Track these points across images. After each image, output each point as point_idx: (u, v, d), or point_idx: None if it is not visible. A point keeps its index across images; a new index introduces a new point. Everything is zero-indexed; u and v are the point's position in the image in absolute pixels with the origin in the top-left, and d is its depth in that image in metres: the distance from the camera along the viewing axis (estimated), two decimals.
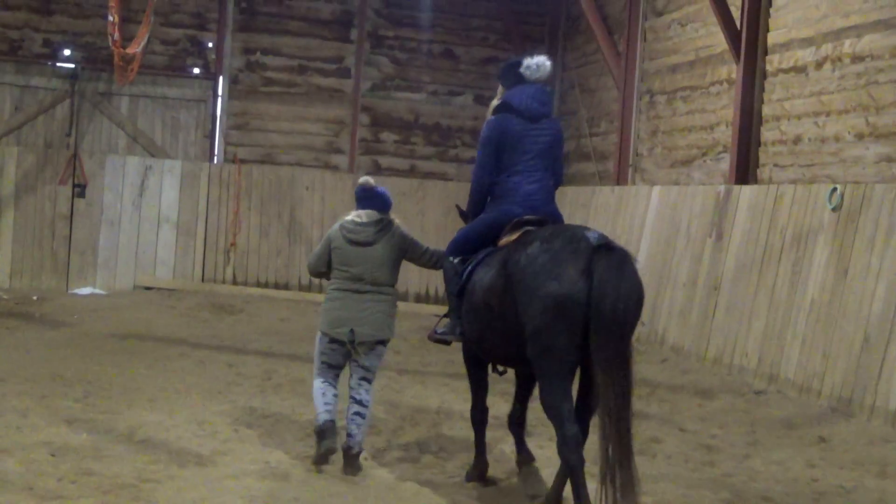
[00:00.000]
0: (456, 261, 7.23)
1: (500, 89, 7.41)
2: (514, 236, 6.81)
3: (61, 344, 12.22)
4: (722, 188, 12.40)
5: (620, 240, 14.44)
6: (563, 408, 6.15)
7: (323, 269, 7.73)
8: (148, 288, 16.64)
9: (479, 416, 7.47)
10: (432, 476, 7.56)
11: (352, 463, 7.41)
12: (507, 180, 7.07)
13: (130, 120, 17.39)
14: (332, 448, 7.35)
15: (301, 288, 17.38)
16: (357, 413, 7.47)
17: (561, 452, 6.15)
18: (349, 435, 7.43)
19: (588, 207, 15.83)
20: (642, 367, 11.59)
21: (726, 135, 12.85)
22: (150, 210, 17.04)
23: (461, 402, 10.19)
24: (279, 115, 17.90)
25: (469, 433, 7.79)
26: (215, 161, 17.63)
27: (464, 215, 7.71)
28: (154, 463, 7.33)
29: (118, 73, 15.10)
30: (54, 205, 16.72)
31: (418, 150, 18.49)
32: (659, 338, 13.03)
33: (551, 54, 18.37)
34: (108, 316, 14.47)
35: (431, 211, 17.86)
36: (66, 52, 17.04)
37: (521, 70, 7.20)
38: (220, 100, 17.70)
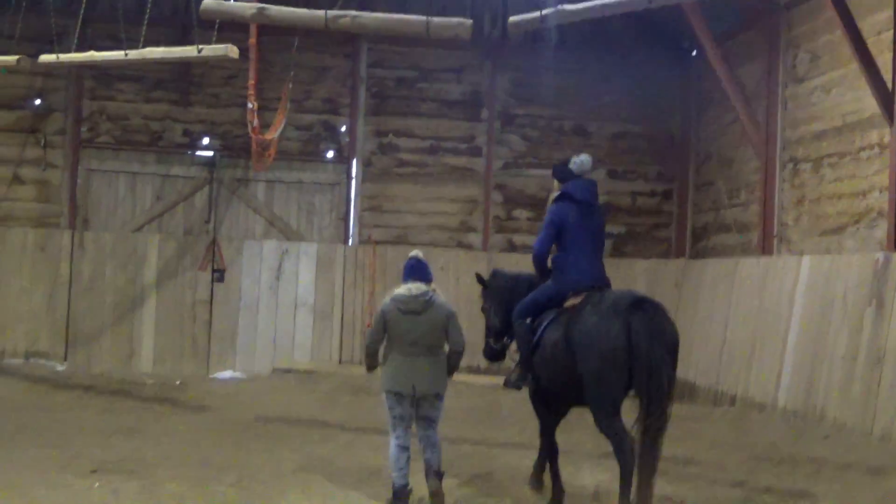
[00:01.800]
0: (527, 321, 8.62)
1: (556, 183, 8.87)
2: (577, 301, 8.25)
3: (207, 429, 12.16)
4: (880, 255, 11.80)
5: (769, 312, 14.03)
6: (617, 426, 7.75)
7: (379, 344, 8.48)
8: (286, 371, 16.60)
9: (549, 447, 8.82)
10: None
11: (436, 486, 8.23)
12: (566, 257, 8.54)
13: (267, 205, 17.57)
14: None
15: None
16: (430, 445, 8.32)
17: (620, 457, 7.68)
18: (428, 461, 8.30)
19: (732, 279, 15.31)
20: (805, 445, 11.04)
21: (880, 201, 12.27)
22: (287, 293, 17.12)
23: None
24: (412, 195, 17.88)
25: None
26: (350, 243, 17.64)
27: (482, 282, 9.70)
28: None
29: (255, 160, 15.28)
30: (194, 291, 16.91)
31: None
32: (818, 413, 12.37)
33: (686, 127, 18.15)
34: (250, 400, 14.44)
35: None
36: (205, 140, 17.35)
37: (570, 166, 8.82)
38: (353, 182, 17.76)
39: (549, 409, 8.79)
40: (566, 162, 8.95)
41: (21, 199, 17.02)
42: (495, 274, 9.73)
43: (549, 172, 18.01)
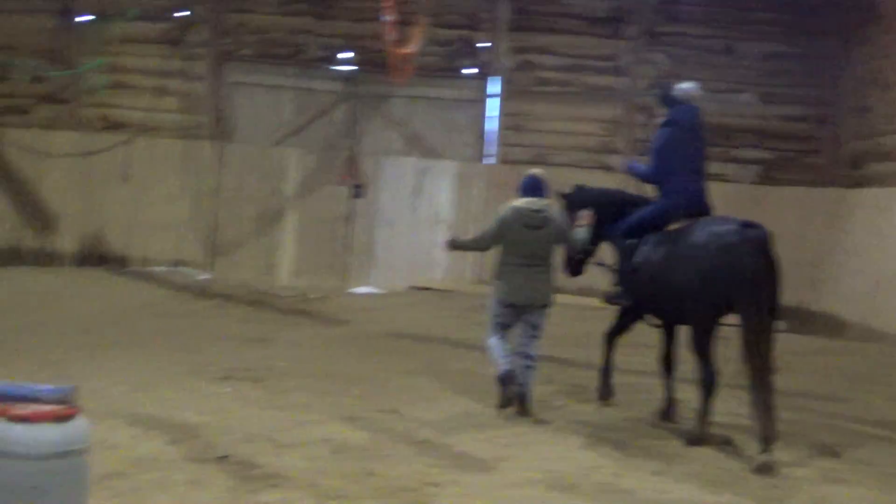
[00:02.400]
0: (633, 240, 8.90)
1: (663, 109, 9.26)
2: (680, 224, 8.56)
3: (339, 342, 12.22)
4: None
5: None
6: (708, 349, 8.07)
7: (491, 247, 8.97)
8: (423, 288, 16.55)
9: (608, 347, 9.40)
10: None
11: (525, 408, 8.61)
12: (675, 181, 8.76)
13: (406, 121, 17.44)
14: (517, 393, 8.59)
15: (572, 291, 16.84)
16: (528, 367, 8.69)
17: (703, 380, 8.04)
18: (521, 384, 8.61)
19: (890, 210, 14.52)
20: None
21: None
22: (424, 211, 17.03)
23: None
24: (552, 115, 17.45)
25: None
26: (489, 161, 17.39)
27: (566, 196, 9.58)
28: (435, 466, 6.97)
29: (394, 75, 15.14)
30: (333, 205, 16.95)
31: None
32: None
33: (843, 47, 17.18)
34: (384, 315, 14.45)
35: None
36: (345, 55, 17.25)
37: (674, 93, 9.17)
38: (493, 100, 17.45)
39: (632, 322, 9.28)
40: (669, 88, 9.35)
41: (167, 110, 17.27)
42: (580, 189, 9.73)
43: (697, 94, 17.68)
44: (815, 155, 17.43)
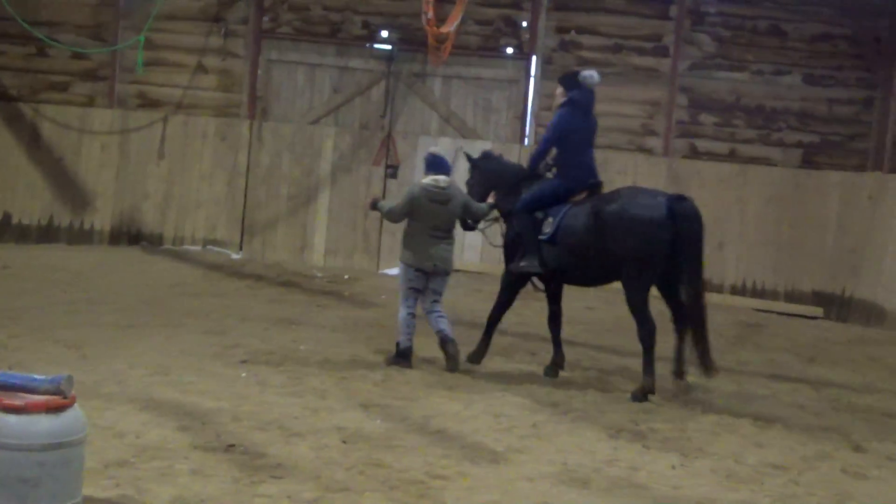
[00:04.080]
0: (535, 214, 9.74)
1: (559, 90, 9.95)
2: (581, 196, 9.69)
3: (367, 325, 12.17)
4: None
5: None
6: (647, 307, 9.15)
7: (401, 220, 10.06)
8: (455, 270, 16.39)
9: (500, 315, 10.33)
10: None
11: (454, 355, 9.71)
12: (572, 157, 9.77)
13: (443, 101, 17.33)
14: (446, 344, 9.74)
15: None
16: (440, 316, 9.81)
17: (642, 338, 9.14)
18: (443, 331, 9.75)
19: None
20: None
21: None
22: None
23: (782, 407, 9.31)
24: None
25: None
26: (526, 142, 17.24)
27: (472, 161, 10.68)
28: (445, 457, 6.90)
29: (432, 54, 15.04)
30: (368, 185, 16.90)
31: (739, 132, 17.28)
32: None
33: (890, 29, 16.79)
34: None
35: (753, 199, 16.65)
36: (384, 33, 17.17)
37: (579, 78, 9.83)
38: (532, 80, 17.28)
39: (518, 291, 10.33)
40: (575, 73, 10.02)
41: (204, 87, 17.32)
42: (487, 156, 10.75)
43: (739, 76, 17.42)
44: (861, 139, 17.08)
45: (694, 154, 17.08)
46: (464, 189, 10.45)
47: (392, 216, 10.19)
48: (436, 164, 10.00)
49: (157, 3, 16.45)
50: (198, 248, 16.77)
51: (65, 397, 4.93)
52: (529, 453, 7.24)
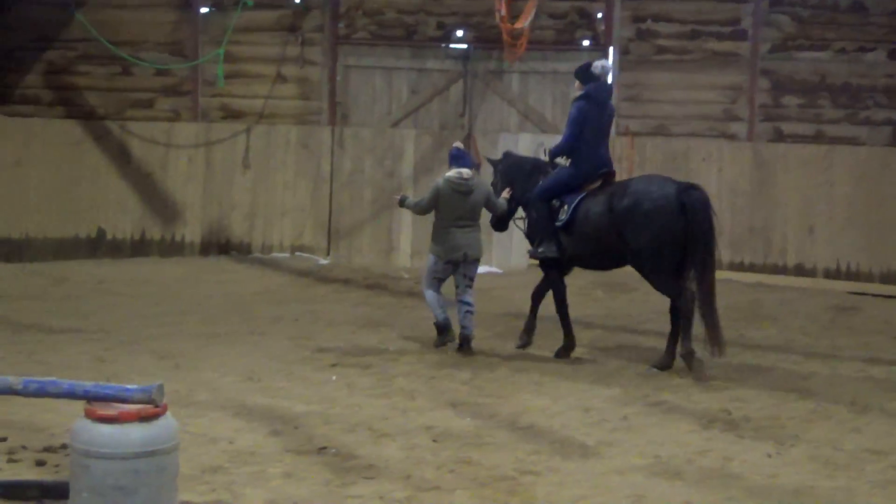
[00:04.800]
0: (552, 202, 10.26)
1: (577, 83, 10.43)
2: (595, 185, 10.18)
3: (454, 322, 12.18)
4: None
5: None
6: (676, 283, 9.65)
7: (427, 213, 10.80)
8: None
9: (563, 303, 10.58)
10: None
11: (467, 348, 10.31)
12: (587, 148, 10.17)
13: (521, 97, 17.29)
14: (462, 335, 10.37)
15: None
16: (468, 311, 10.41)
17: (681, 309, 9.52)
18: (466, 329, 10.37)
19: None
20: None
21: None
22: None
23: (879, 392, 9.11)
24: (672, 83, 17.02)
25: None
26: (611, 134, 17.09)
27: (492, 162, 11.66)
28: (535, 453, 6.92)
29: (507, 51, 15.03)
30: None
31: (825, 113, 16.90)
32: None
33: None
34: (502, 296, 14.36)
35: (841, 181, 16.24)
36: (459, 32, 17.19)
37: (592, 70, 10.28)
38: (610, 71, 17.13)
39: (562, 274, 10.65)
40: (588, 65, 10.42)
41: (284, 96, 17.50)
42: (506, 155, 11.59)
43: (822, 56, 17.05)
44: None
45: (779, 137, 16.77)
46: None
47: (419, 209, 10.90)
48: (459, 158, 10.68)
49: (235, 16, 16.72)
50: (286, 255, 16.98)
51: (156, 406, 5.03)
52: (620, 446, 7.21)
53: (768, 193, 16.36)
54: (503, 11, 13.86)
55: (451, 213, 10.36)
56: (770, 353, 10.86)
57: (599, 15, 17.09)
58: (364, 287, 14.85)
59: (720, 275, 15.18)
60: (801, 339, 11.61)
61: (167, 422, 5.11)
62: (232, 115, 17.50)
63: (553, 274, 10.60)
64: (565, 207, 10.16)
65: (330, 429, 7.31)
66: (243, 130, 17.32)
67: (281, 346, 10.50)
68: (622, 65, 17.06)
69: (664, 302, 10.20)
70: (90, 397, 5.06)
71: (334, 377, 9.06)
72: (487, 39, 16.84)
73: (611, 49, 17.04)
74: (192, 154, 17.29)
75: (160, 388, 5.05)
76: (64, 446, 6.25)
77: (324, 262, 16.77)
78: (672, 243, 9.54)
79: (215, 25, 17.18)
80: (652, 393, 8.79)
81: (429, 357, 10.07)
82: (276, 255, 16.97)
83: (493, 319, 12.35)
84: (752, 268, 16.23)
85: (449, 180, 10.45)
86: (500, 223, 11.26)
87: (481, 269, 16.23)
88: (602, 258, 10.27)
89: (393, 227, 17.12)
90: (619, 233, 9.72)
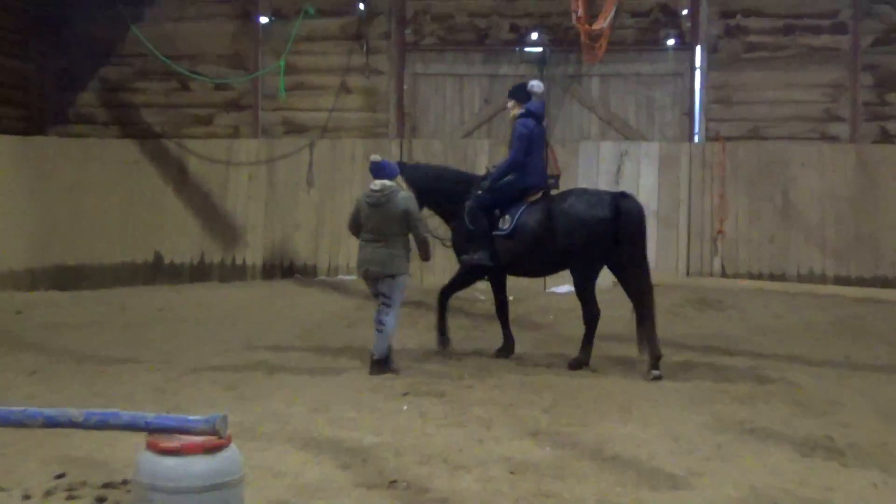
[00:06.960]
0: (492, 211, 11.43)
1: (512, 102, 11.71)
2: (536, 196, 11.43)
3: (533, 346, 12.33)
4: None
5: None
6: (592, 292, 11.26)
7: (356, 228, 10.90)
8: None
9: (452, 292, 12.16)
10: None
11: (374, 370, 10.54)
12: (529, 161, 11.48)
13: (602, 102, 17.38)
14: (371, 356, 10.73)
15: (800, 278, 16.40)
16: (377, 330, 10.64)
17: (586, 320, 11.21)
18: (371, 351, 10.67)
19: None
20: None
21: None
22: None
23: None
24: (765, 83, 17.01)
25: None
26: (696, 140, 17.11)
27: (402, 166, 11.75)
28: (621, 485, 6.96)
29: (586, 52, 15.10)
30: None
31: None
32: None
33: None
34: None
35: None
36: (534, 35, 17.32)
37: (528, 89, 11.63)
38: (698, 72, 17.16)
39: (497, 279, 11.91)
40: (524, 85, 11.76)
41: (348, 108, 17.79)
42: (410, 167, 12.31)
43: None
44: None
45: (885, 138, 16.64)
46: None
47: (349, 226, 11.11)
48: (375, 170, 10.80)
49: (296, 25, 17.03)
50: (353, 277, 17.18)
51: (220, 437, 5.20)
52: (713, 476, 7.22)
53: (874, 199, 16.22)
54: (580, 11, 13.94)
55: (366, 226, 10.70)
56: (878, 374, 10.78)
57: (685, 11, 17.15)
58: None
59: (824, 289, 15.30)
60: (812, 347, 11.77)
61: (231, 454, 5.28)
62: (294, 129, 17.83)
63: (468, 277, 12.04)
64: (507, 217, 11.38)
65: (401, 461, 7.42)
66: (306, 145, 17.62)
67: (350, 373, 10.66)
68: (710, 64, 17.11)
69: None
70: (152, 429, 5.25)
71: (406, 406, 9.16)
72: (564, 41, 16.98)
73: (698, 48, 17.06)
74: (253, 171, 17.62)
75: (224, 419, 5.22)
76: (125, 482, 6.44)
77: None
78: (600, 247, 10.98)
79: (276, 36, 17.53)
80: (747, 419, 8.78)
81: (507, 382, 10.16)
82: (342, 277, 17.17)
83: (575, 342, 12.37)
84: (861, 281, 16.08)
85: (364, 193, 10.87)
86: (421, 250, 10.97)
87: (562, 288, 16.52)
88: (537, 262, 11.47)
89: None
90: (556, 236, 11.06)
